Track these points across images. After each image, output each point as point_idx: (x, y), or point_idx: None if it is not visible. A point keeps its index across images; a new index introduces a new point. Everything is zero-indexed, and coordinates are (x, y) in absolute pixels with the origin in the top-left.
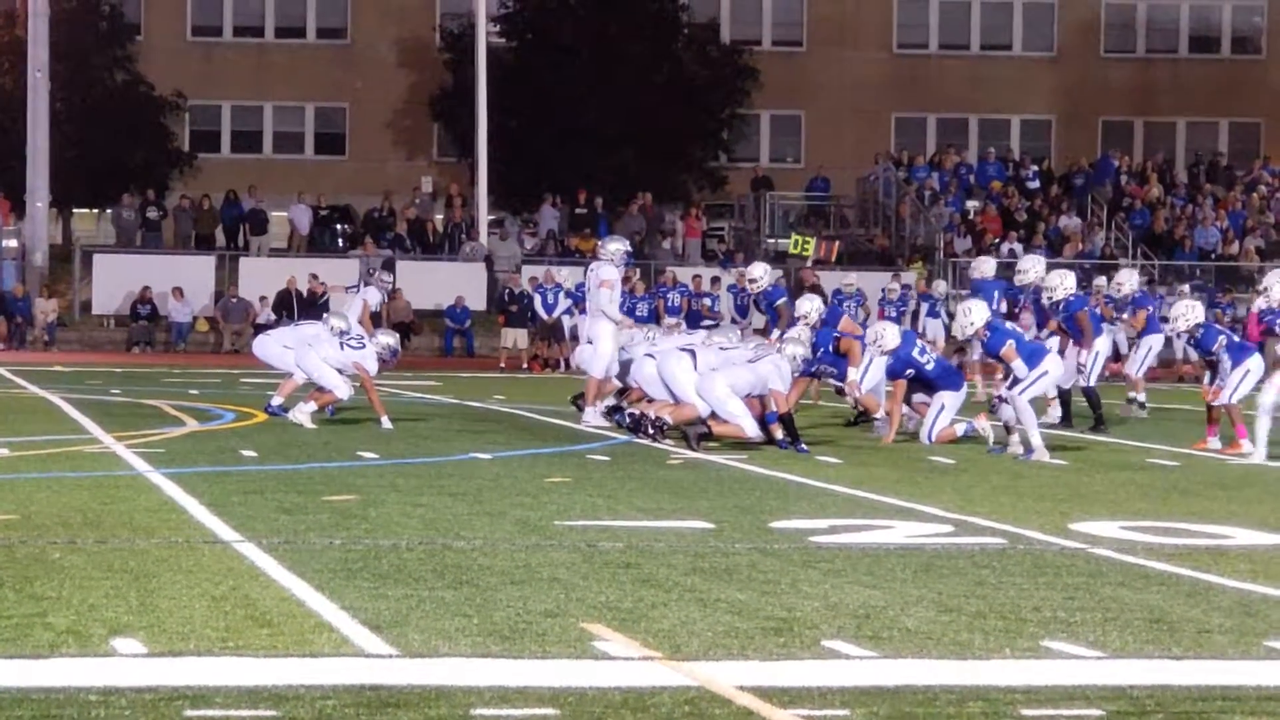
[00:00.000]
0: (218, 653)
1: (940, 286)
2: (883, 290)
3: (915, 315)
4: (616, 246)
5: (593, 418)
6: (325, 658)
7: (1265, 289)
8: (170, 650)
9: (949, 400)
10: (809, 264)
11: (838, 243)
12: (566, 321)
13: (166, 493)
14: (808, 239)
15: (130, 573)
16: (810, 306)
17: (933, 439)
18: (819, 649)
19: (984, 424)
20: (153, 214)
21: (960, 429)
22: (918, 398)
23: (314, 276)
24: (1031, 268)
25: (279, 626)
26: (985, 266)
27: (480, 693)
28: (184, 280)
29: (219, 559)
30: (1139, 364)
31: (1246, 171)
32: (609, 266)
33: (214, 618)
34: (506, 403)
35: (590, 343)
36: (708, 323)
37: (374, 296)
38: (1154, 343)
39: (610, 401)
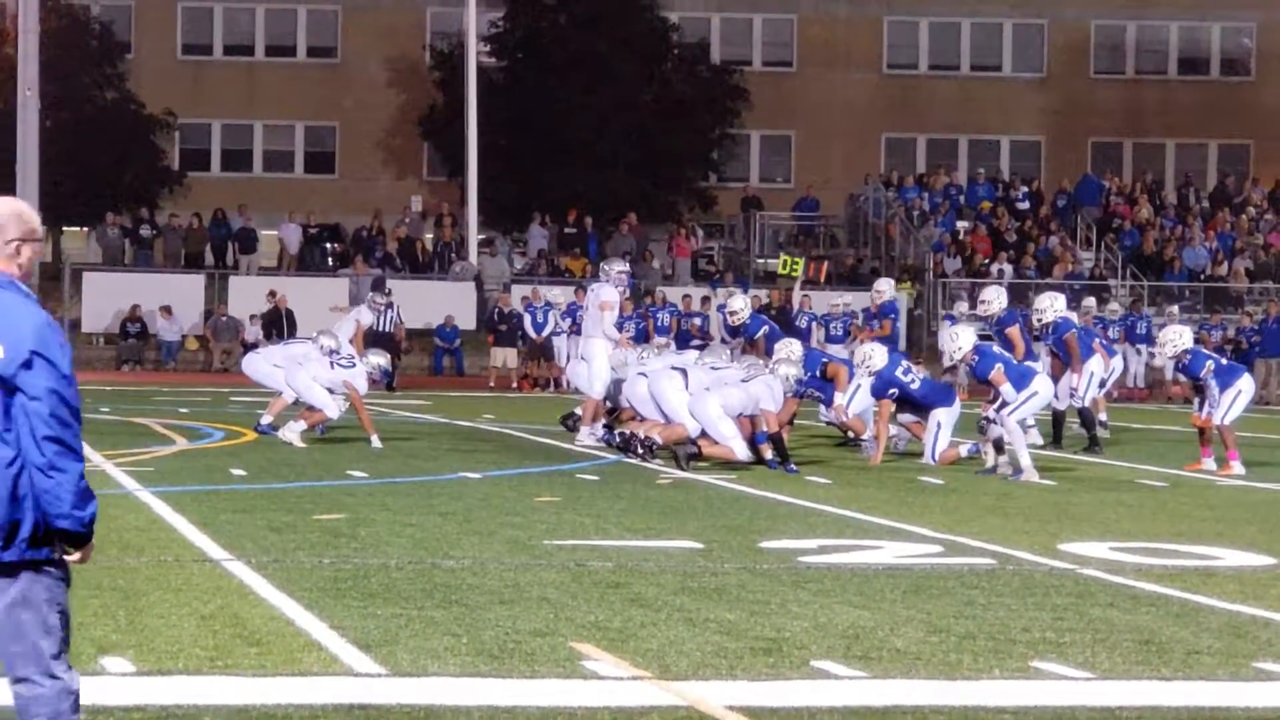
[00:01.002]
0: (206, 671)
1: (961, 308)
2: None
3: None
4: (617, 268)
5: (586, 437)
6: (314, 677)
7: None
8: (159, 669)
9: (944, 418)
10: (798, 285)
11: (826, 263)
12: (556, 341)
13: (156, 511)
14: (796, 260)
15: (119, 591)
16: (787, 349)
17: (936, 460)
18: (808, 669)
19: (989, 445)
20: (144, 232)
21: (964, 449)
22: (907, 417)
23: (272, 294)
24: (995, 299)
25: (268, 645)
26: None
27: (469, 712)
28: (173, 299)
29: (208, 577)
30: (1085, 390)
31: (1236, 192)
32: (610, 288)
33: (203, 636)
34: (496, 422)
35: (585, 361)
36: (696, 343)
37: (366, 317)
38: (1094, 367)
39: (602, 422)
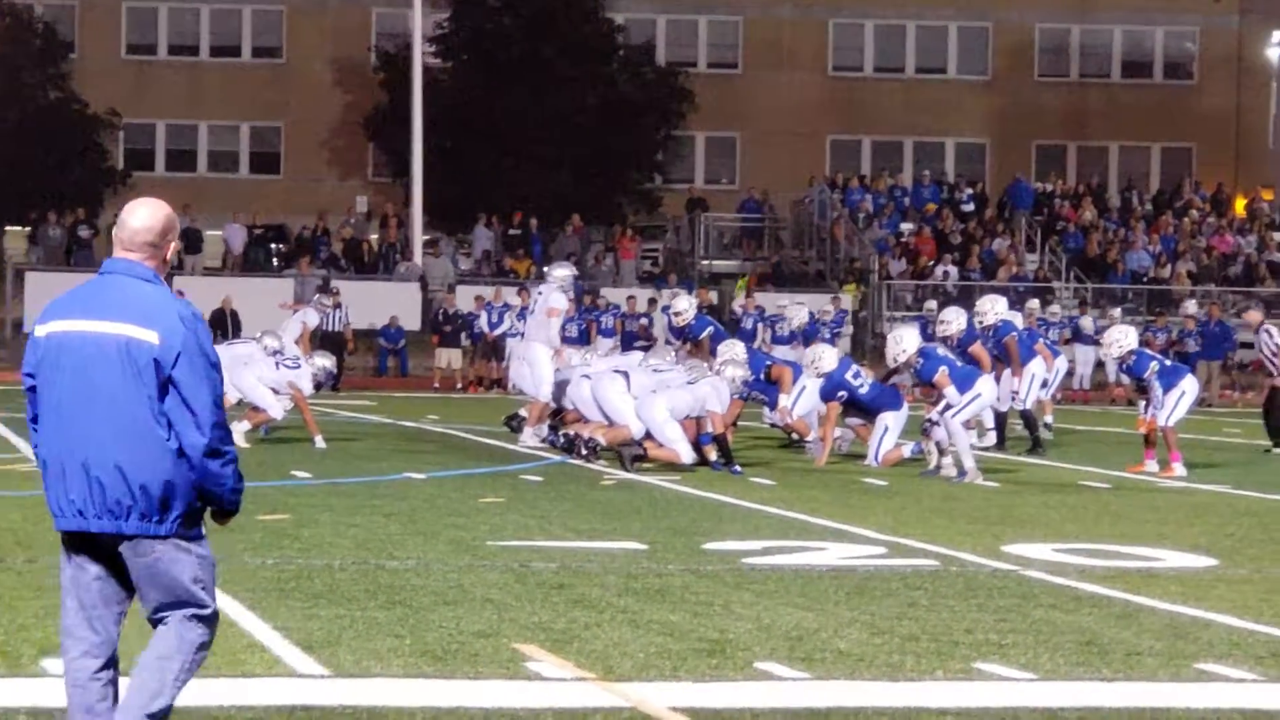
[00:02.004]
0: None
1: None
2: (814, 313)
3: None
4: (564, 273)
5: (530, 438)
6: (257, 678)
7: None
8: None
9: (892, 421)
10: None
11: (750, 275)
12: (511, 342)
13: None
14: (742, 280)
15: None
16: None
17: (879, 461)
18: (751, 670)
19: (931, 445)
20: (84, 233)
21: (907, 450)
22: (854, 420)
23: (179, 293)
24: (954, 319)
25: (211, 646)
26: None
27: (412, 713)
28: None
29: None
30: (1026, 392)
31: (1176, 195)
32: (558, 294)
33: (144, 638)
34: (440, 422)
35: (528, 364)
36: (640, 344)
37: (312, 318)
38: (1035, 368)
39: (547, 424)
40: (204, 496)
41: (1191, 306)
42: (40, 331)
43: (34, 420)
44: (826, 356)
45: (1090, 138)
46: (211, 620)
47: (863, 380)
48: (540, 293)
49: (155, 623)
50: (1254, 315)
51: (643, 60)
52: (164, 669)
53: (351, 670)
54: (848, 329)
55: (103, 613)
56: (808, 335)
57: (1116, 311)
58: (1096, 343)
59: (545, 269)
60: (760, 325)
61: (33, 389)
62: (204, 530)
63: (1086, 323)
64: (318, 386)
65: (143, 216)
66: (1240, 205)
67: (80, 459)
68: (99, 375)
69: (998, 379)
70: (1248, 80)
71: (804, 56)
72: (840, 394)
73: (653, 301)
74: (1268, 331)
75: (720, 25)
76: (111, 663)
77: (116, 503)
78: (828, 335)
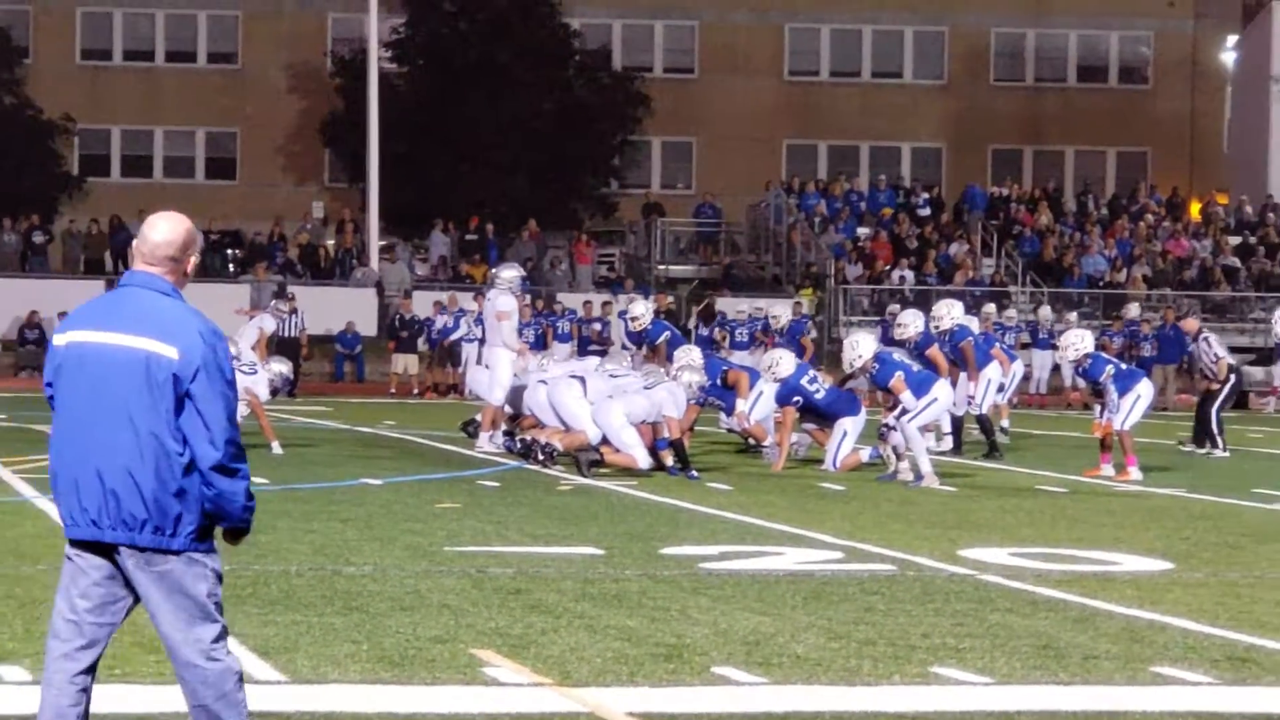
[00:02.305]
0: (104, 680)
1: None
2: (770, 318)
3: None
4: (511, 274)
5: (486, 444)
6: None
7: None
8: None
9: (850, 426)
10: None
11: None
12: (467, 348)
13: (54, 518)
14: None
15: (15, 599)
16: (689, 357)
17: (837, 466)
18: (709, 675)
19: (888, 449)
20: (39, 238)
21: (864, 454)
22: (810, 424)
23: None
24: (912, 322)
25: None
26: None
27: (369, 719)
28: (72, 305)
29: None
30: (983, 397)
31: (1132, 200)
32: (506, 296)
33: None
34: (397, 428)
35: (488, 368)
36: (594, 348)
37: (269, 324)
38: (991, 373)
39: (503, 429)
40: (215, 513)
41: (1134, 310)
42: (60, 341)
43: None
44: (784, 361)
45: (1046, 142)
46: (225, 635)
47: (819, 386)
48: (489, 299)
49: (176, 659)
50: (1190, 323)
51: (599, 65)
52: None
53: (309, 676)
54: (812, 333)
55: (95, 620)
56: (794, 332)
57: (1073, 315)
58: (1053, 347)
59: (492, 272)
60: (719, 330)
61: (52, 397)
62: (215, 545)
63: (1045, 314)
64: (274, 392)
65: (163, 230)
66: (1195, 209)
67: (95, 470)
68: (117, 388)
69: (954, 384)
70: (1202, 84)
71: (760, 61)
72: (796, 399)
73: (606, 304)
74: (1206, 340)
75: (676, 30)
76: (91, 670)
77: (131, 515)
78: (785, 340)
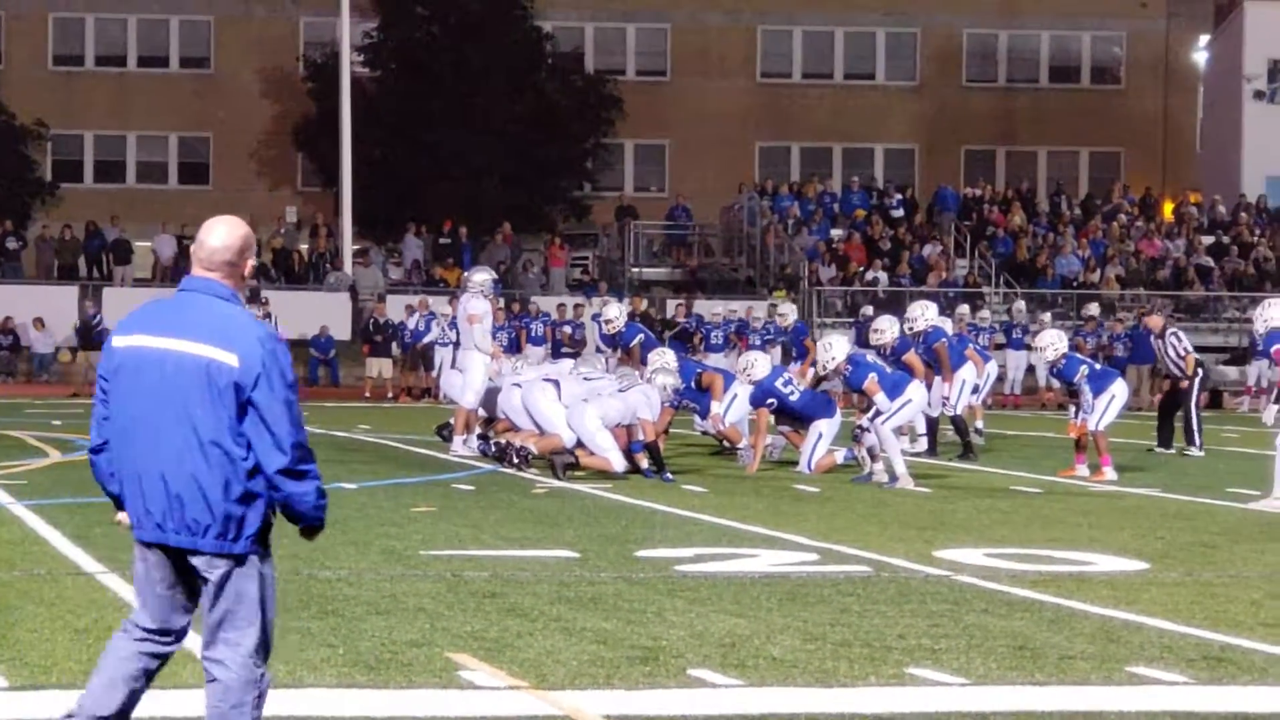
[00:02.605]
0: (81, 685)
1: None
2: (745, 319)
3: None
4: (483, 277)
5: (460, 447)
6: (189, 689)
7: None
8: (32, 683)
9: (825, 428)
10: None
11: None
12: (441, 351)
13: (29, 525)
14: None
15: None
16: (663, 360)
17: (812, 468)
18: (685, 678)
19: (863, 451)
20: (12, 244)
21: (839, 456)
22: (784, 426)
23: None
24: (888, 328)
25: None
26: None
27: None
28: (46, 310)
29: (82, 591)
30: (957, 398)
31: (1105, 200)
32: (477, 299)
33: (76, 650)
34: (371, 432)
35: (461, 372)
36: (566, 351)
37: None
38: (966, 374)
39: (477, 432)
40: (288, 514)
41: (1094, 308)
42: (118, 342)
43: (101, 419)
44: (759, 364)
45: (1019, 142)
46: (266, 648)
47: (794, 388)
48: (461, 303)
49: (209, 655)
50: (1155, 320)
51: (571, 68)
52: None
53: (285, 680)
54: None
55: (170, 614)
56: (797, 334)
57: (1046, 316)
58: (1027, 347)
59: (465, 274)
60: (694, 331)
61: (104, 391)
62: (270, 550)
63: (1019, 308)
64: None
65: (221, 235)
66: (1168, 209)
67: (159, 474)
68: (179, 394)
69: (929, 385)
70: (1174, 84)
71: (732, 63)
72: (770, 401)
73: (578, 307)
74: (1176, 335)
75: (648, 32)
76: (162, 656)
77: (194, 520)
78: (759, 342)
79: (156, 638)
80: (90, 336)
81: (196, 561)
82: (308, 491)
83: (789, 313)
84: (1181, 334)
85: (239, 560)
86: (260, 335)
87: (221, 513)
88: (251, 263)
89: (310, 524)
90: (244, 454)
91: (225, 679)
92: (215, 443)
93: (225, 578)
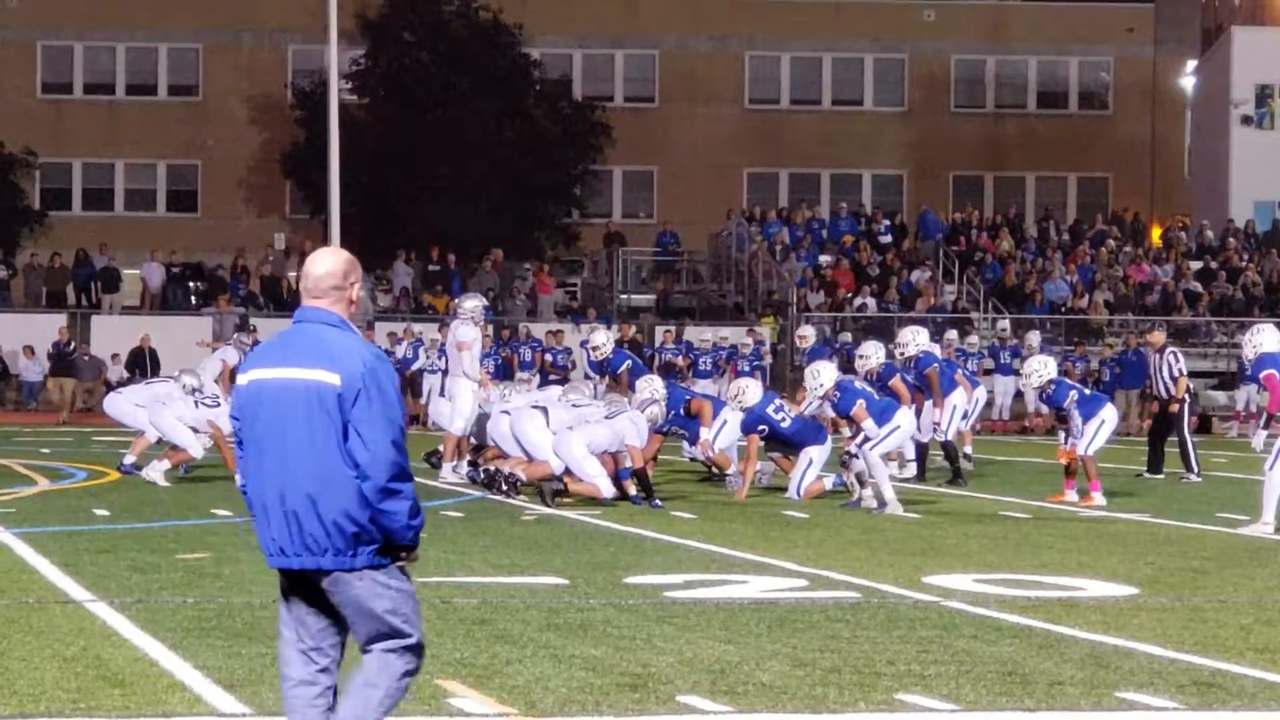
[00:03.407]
0: (69, 714)
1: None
2: (734, 345)
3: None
4: (473, 304)
5: (449, 474)
6: (179, 718)
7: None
8: (20, 712)
9: (816, 455)
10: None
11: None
12: (429, 379)
13: (17, 552)
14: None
15: None
16: (651, 387)
17: (801, 494)
18: (674, 704)
19: (851, 477)
20: (1, 273)
21: (828, 482)
22: (775, 452)
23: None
24: (873, 353)
25: (132, 686)
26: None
27: None
28: (35, 339)
29: (70, 619)
30: (948, 424)
31: (1093, 226)
32: (466, 326)
33: (65, 678)
34: None
35: (450, 399)
36: (553, 379)
37: (232, 356)
38: (956, 400)
39: (467, 459)
40: (380, 532)
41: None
42: (242, 380)
43: (241, 457)
44: (750, 390)
45: (1007, 168)
46: (417, 650)
47: (785, 415)
48: (451, 330)
49: (365, 651)
50: (1157, 336)
51: (559, 94)
52: (368, 696)
53: (274, 708)
54: (765, 360)
55: (317, 645)
56: (814, 355)
57: (1034, 341)
58: (1015, 372)
59: (455, 301)
60: (681, 358)
61: (237, 431)
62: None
63: (1003, 327)
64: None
65: (325, 263)
66: (1156, 234)
67: (278, 498)
68: (292, 418)
69: (919, 411)
70: (1162, 110)
71: (720, 89)
72: (761, 428)
73: (558, 333)
74: (1174, 354)
75: (637, 59)
76: (330, 688)
77: (313, 539)
78: (747, 368)
79: (322, 675)
80: (64, 363)
81: (324, 583)
82: (400, 511)
83: (809, 334)
84: (1180, 354)
85: (360, 575)
86: (364, 355)
87: (337, 531)
88: (358, 287)
89: (401, 543)
90: (354, 472)
91: (386, 690)
92: (328, 462)
93: (354, 596)
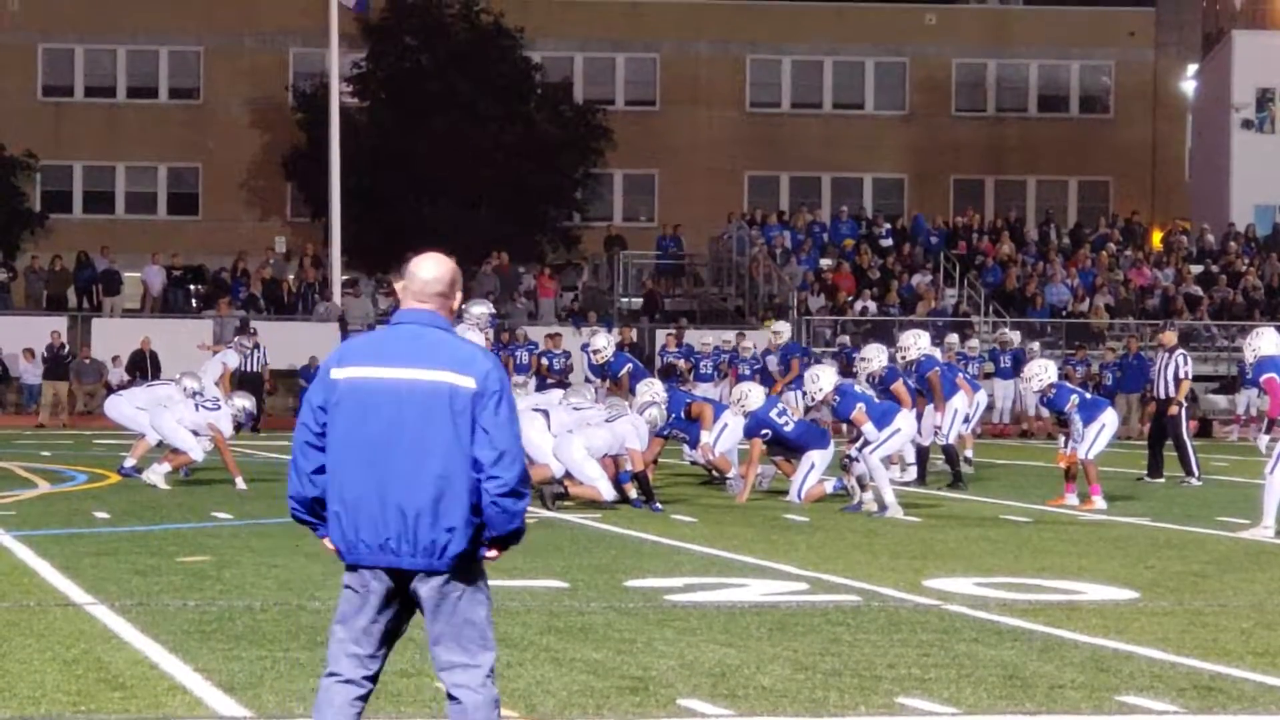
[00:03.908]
0: (70, 717)
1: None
2: (737, 349)
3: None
4: (480, 310)
5: None
6: None
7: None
8: (21, 715)
9: (818, 459)
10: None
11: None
12: None
13: (18, 555)
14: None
15: None
16: (651, 390)
17: (802, 498)
18: (674, 708)
19: (852, 480)
20: (2, 275)
21: (829, 485)
22: (777, 455)
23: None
24: (875, 356)
25: (132, 689)
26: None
27: None
28: (35, 341)
29: (71, 622)
30: (950, 427)
31: (1094, 230)
32: (472, 333)
33: (66, 681)
34: None
35: None
36: (550, 382)
37: (232, 359)
38: (958, 404)
39: None
40: (495, 529)
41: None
42: (339, 374)
43: (310, 446)
44: (753, 394)
45: (1007, 172)
46: (493, 671)
47: (788, 418)
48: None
49: (449, 685)
50: (1169, 336)
51: (560, 98)
52: None
53: (274, 711)
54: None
55: (372, 653)
56: (788, 352)
57: (1036, 345)
58: (1016, 375)
59: (462, 307)
60: (682, 360)
61: (319, 423)
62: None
63: (1005, 334)
64: (238, 427)
65: (431, 269)
66: (1157, 238)
67: (396, 500)
68: (414, 420)
69: (920, 414)
70: (1163, 113)
71: (721, 93)
72: (764, 431)
73: (555, 337)
74: (1184, 357)
75: (637, 62)
76: (368, 695)
77: (431, 542)
78: (748, 372)
79: (366, 680)
80: (58, 366)
81: (424, 587)
82: (520, 511)
83: (783, 330)
84: (1189, 358)
85: (466, 579)
86: (491, 360)
87: (457, 534)
88: (459, 296)
89: (509, 544)
90: (474, 474)
91: (473, 701)
92: (450, 464)
93: (458, 601)
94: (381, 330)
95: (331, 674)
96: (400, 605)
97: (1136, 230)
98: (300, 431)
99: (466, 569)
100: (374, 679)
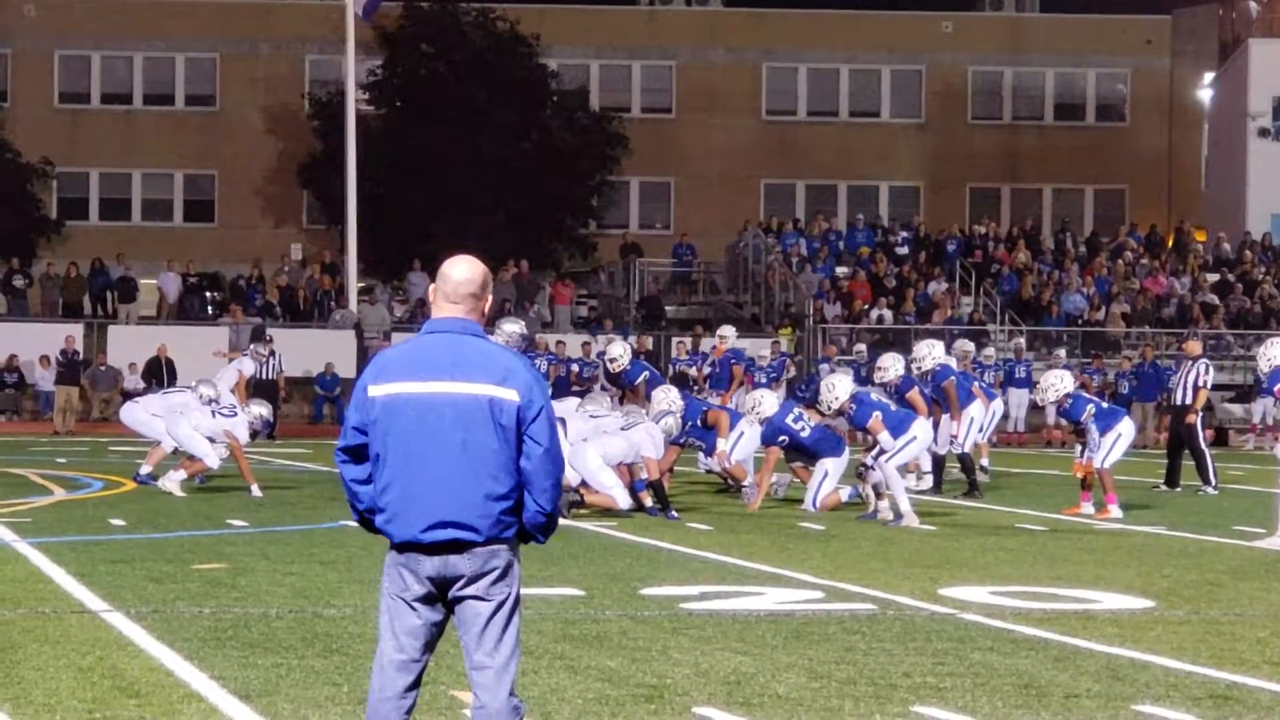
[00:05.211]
0: None
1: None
2: (753, 357)
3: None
4: (513, 329)
5: None
6: None
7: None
8: None
9: (832, 467)
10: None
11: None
12: None
13: (33, 562)
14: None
15: None
16: (667, 399)
17: (817, 506)
18: (690, 715)
19: (867, 488)
20: (19, 282)
21: (844, 494)
22: (796, 462)
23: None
24: (892, 365)
25: (147, 697)
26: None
27: None
28: (51, 348)
29: (86, 629)
30: (965, 436)
31: (1111, 238)
32: None
33: (81, 688)
34: None
35: None
36: (575, 389)
37: (249, 366)
38: (974, 412)
39: None
40: (533, 535)
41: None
42: (377, 392)
43: (349, 464)
44: (767, 401)
45: (1024, 180)
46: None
47: (804, 424)
48: None
49: (479, 680)
50: (1194, 345)
51: (577, 105)
52: None
53: (289, 719)
54: (787, 373)
55: (420, 658)
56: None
57: (1060, 353)
58: (1031, 384)
59: (496, 324)
60: (697, 368)
61: (362, 443)
62: None
63: (1019, 345)
64: (253, 435)
65: (464, 270)
66: (1171, 244)
67: (438, 508)
68: (462, 433)
69: (936, 423)
70: (1179, 122)
71: (737, 101)
72: (781, 438)
73: (560, 344)
74: (1205, 365)
75: (654, 70)
76: (414, 702)
77: (473, 551)
78: (765, 380)
79: (413, 690)
80: (70, 372)
81: (467, 594)
82: (554, 522)
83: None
84: (1211, 367)
85: (508, 591)
86: (532, 371)
87: (496, 544)
88: (490, 298)
89: (541, 542)
90: (515, 484)
91: (498, 707)
92: (493, 475)
93: (499, 607)
94: (415, 340)
95: (383, 688)
96: (443, 612)
97: (1155, 239)
98: (338, 455)
99: (510, 578)
100: (419, 685)
